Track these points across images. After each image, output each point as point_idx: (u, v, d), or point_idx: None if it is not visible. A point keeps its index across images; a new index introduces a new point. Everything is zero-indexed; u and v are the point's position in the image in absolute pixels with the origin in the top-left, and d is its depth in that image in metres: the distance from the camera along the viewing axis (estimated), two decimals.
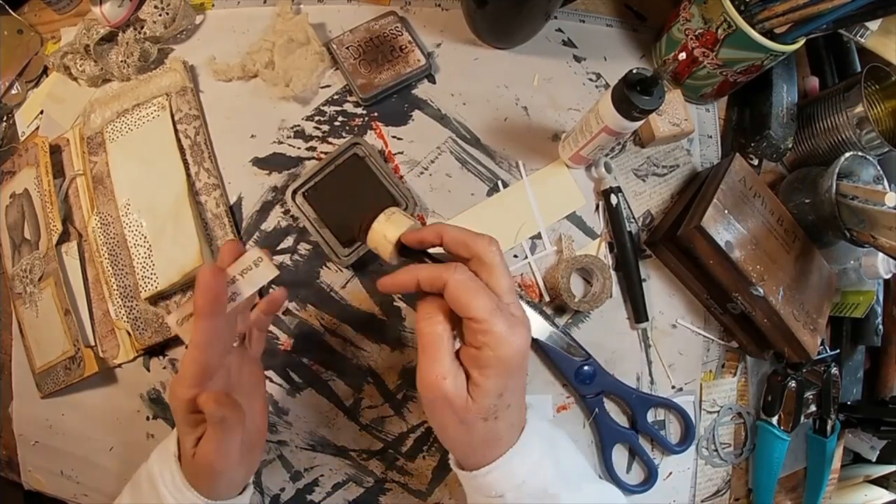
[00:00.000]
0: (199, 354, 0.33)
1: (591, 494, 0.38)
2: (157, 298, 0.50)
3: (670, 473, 0.52)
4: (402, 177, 0.53)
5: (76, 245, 0.53)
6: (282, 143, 0.53)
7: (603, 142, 0.46)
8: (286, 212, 0.51)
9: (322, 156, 0.53)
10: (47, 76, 0.59)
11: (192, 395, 0.33)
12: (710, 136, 0.57)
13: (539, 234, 0.52)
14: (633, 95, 0.40)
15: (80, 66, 0.55)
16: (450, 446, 0.36)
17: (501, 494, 0.35)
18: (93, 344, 0.51)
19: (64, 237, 0.53)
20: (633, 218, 0.54)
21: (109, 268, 0.51)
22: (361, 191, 0.50)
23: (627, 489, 0.49)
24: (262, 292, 0.50)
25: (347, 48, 0.53)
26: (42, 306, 0.52)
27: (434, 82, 0.54)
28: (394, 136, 0.54)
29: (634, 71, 0.40)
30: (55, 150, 0.55)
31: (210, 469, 0.36)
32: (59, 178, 0.54)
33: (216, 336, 0.33)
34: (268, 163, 0.53)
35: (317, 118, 0.54)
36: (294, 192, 0.50)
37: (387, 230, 0.35)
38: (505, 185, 0.53)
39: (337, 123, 0.54)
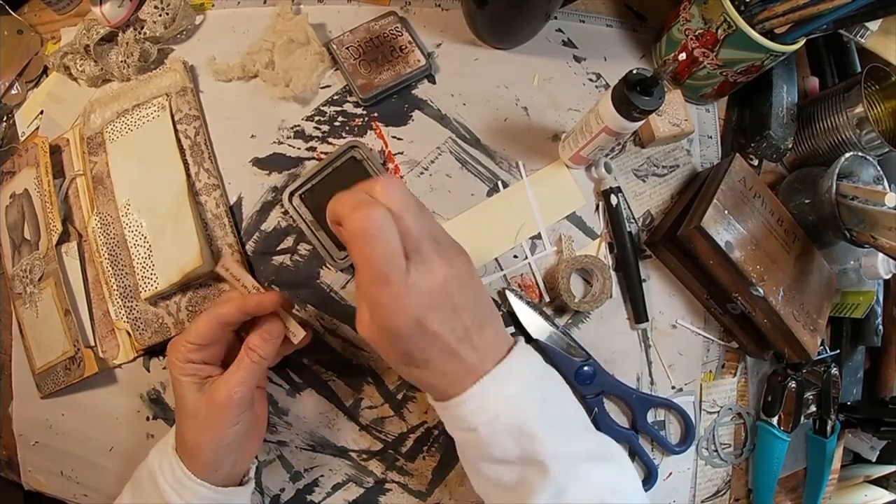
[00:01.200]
0: (215, 325, 0.38)
1: (579, 442, 0.36)
2: (157, 299, 0.50)
3: (670, 474, 0.52)
4: (401, 178, 0.53)
5: (76, 245, 0.53)
6: (282, 143, 0.53)
7: (603, 142, 0.46)
8: (286, 212, 0.51)
9: (322, 156, 0.53)
10: (47, 76, 0.59)
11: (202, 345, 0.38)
12: (710, 137, 0.57)
13: (539, 234, 0.52)
14: (633, 96, 0.40)
15: (80, 66, 0.55)
16: (413, 383, 0.37)
17: (474, 428, 0.34)
18: (93, 344, 0.51)
19: (64, 237, 0.53)
20: (633, 218, 0.54)
21: (109, 268, 0.51)
22: None
23: None
24: None
25: (347, 48, 0.53)
26: (42, 306, 0.52)
27: (434, 82, 0.54)
28: (394, 137, 0.54)
29: (634, 71, 0.40)
30: (55, 151, 0.55)
31: (220, 413, 0.38)
32: (59, 178, 0.54)
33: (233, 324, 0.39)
34: (268, 163, 0.53)
35: (317, 118, 0.54)
36: (291, 194, 0.50)
37: None
38: (505, 186, 0.53)
39: (337, 124, 0.54)
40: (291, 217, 0.50)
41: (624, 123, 0.42)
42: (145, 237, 0.50)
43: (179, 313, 0.50)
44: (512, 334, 0.50)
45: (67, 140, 0.55)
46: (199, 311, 0.49)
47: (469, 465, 0.38)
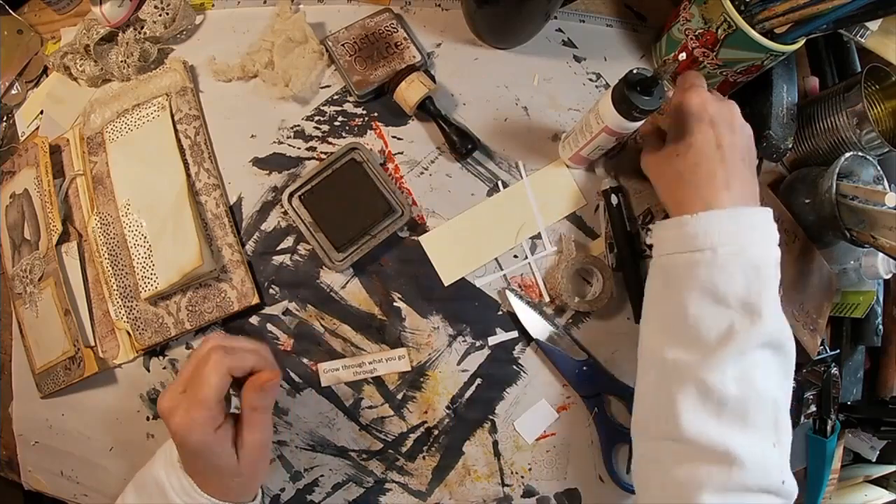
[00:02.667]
0: (227, 378, 0.36)
1: (784, 324, 0.37)
2: (157, 299, 0.50)
3: None
4: (401, 177, 0.53)
5: (76, 245, 0.53)
6: (282, 143, 0.53)
7: (603, 142, 0.46)
8: (285, 213, 0.51)
9: (322, 156, 0.53)
10: (47, 76, 0.59)
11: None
12: None
13: (539, 234, 0.52)
14: (633, 95, 0.40)
15: (80, 66, 0.55)
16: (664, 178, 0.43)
17: (714, 247, 0.35)
18: (93, 344, 0.51)
19: (64, 237, 0.53)
20: (634, 217, 0.54)
21: (109, 268, 0.51)
22: (357, 196, 0.50)
23: (627, 489, 0.49)
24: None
25: (343, 45, 0.53)
26: (42, 306, 0.52)
27: (434, 82, 0.54)
28: (394, 136, 0.54)
29: (634, 71, 0.41)
30: (55, 150, 0.55)
31: (259, 461, 0.38)
32: (59, 178, 0.54)
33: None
34: (268, 163, 0.53)
35: (317, 118, 0.54)
36: (290, 195, 0.50)
37: (406, 95, 0.50)
38: (505, 186, 0.53)
39: (337, 123, 0.54)
40: (291, 218, 0.50)
41: (624, 123, 0.42)
42: (145, 237, 0.50)
43: (179, 313, 0.50)
44: (516, 336, 0.51)
45: (67, 140, 0.55)
46: (198, 311, 0.49)
47: (662, 305, 0.39)
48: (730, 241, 0.35)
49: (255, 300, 0.50)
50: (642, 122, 0.43)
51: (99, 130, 0.54)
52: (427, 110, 0.52)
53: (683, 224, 0.36)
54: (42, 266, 0.52)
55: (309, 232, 0.49)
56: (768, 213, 0.38)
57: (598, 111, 0.44)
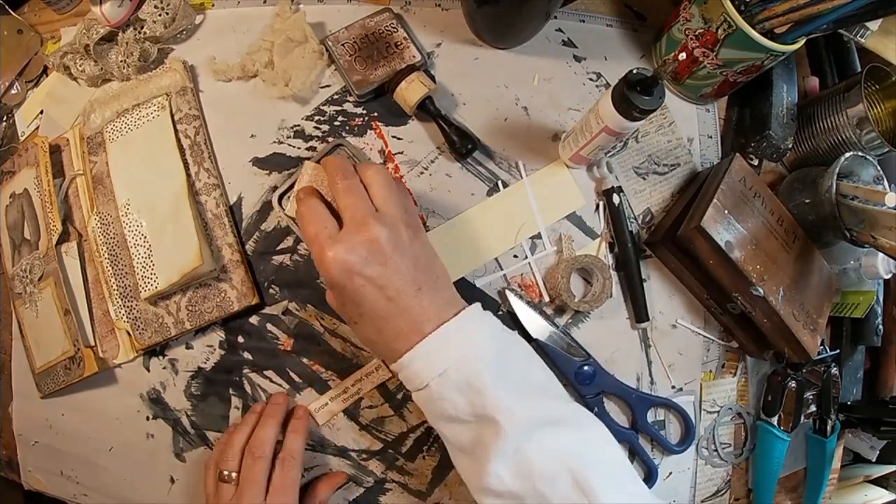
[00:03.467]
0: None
1: (541, 406, 0.37)
2: (157, 298, 0.50)
3: (670, 473, 0.52)
4: (401, 177, 0.53)
5: (76, 245, 0.53)
6: (282, 143, 0.53)
7: (603, 142, 0.46)
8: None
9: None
10: (47, 76, 0.59)
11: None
12: (710, 136, 0.57)
13: (539, 234, 0.52)
14: (633, 95, 0.40)
15: (80, 66, 0.54)
16: (367, 346, 0.42)
17: (425, 384, 0.36)
18: (93, 344, 0.51)
19: (64, 237, 0.53)
20: (634, 217, 0.54)
21: (109, 268, 0.51)
22: None
23: None
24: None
25: (343, 45, 0.53)
26: (42, 306, 0.52)
27: (434, 82, 0.54)
28: (394, 136, 0.54)
29: (634, 71, 0.40)
30: (55, 150, 0.55)
31: None
32: (58, 178, 0.54)
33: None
34: (268, 163, 0.53)
35: (317, 118, 0.54)
36: (280, 197, 0.50)
37: (406, 95, 0.50)
38: (505, 186, 0.53)
39: (337, 123, 0.54)
40: (284, 220, 0.50)
41: (624, 123, 0.42)
42: (145, 237, 0.50)
43: (179, 313, 0.50)
44: (529, 339, 0.50)
45: (67, 140, 0.55)
46: (198, 310, 0.49)
47: (437, 429, 0.39)
48: (432, 373, 0.36)
49: (255, 300, 0.50)
50: (642, 121, 0.43)
51: (99, 130, 0.54)
52: (427, 110, 0.52)
53: (400, 369, 0.38)
54: (42, 266, 0.52)
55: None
56: (458, 322, 0.37)
57: (598, 111, 0.44)
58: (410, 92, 0.50)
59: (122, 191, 0.51)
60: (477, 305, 0.39)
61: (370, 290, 0.36)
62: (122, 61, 0.54)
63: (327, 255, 0.36)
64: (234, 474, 0.43)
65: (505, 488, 0.34)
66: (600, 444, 0.38)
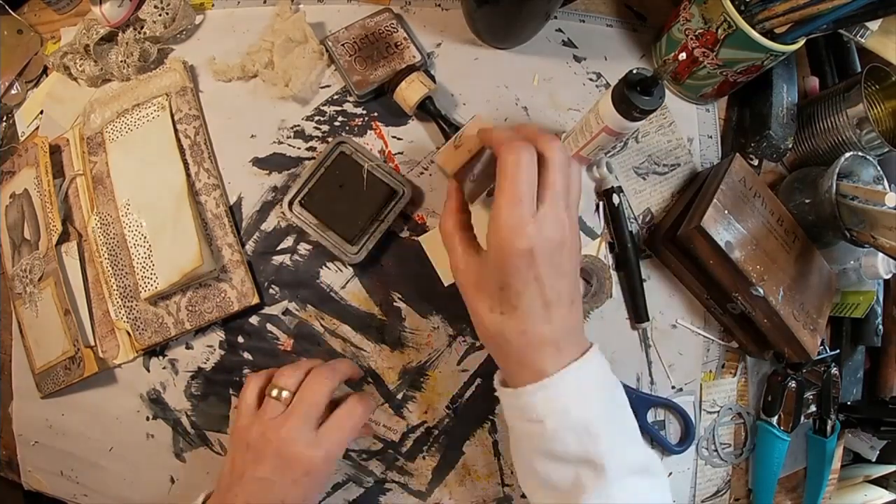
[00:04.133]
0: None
1: (634, 452, 0.36)
2: (157, 298, 0.50)
3: (670, 474, 0.52)
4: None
5: (76, 245, 0.53)
6: (282, 143, 0.53)
7: (603, 142, 0.46)
8: (290, 220, 0.51)
9: None
10: (47, 76, 0.59)
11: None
12: (710, 136, 0.57)
13: None
14: (633, 95, 0.40)
15: (80, 66, 0.54)
16: (489, 342, 0.37)
17: (541, 419, 0.34)
18: (93, 344, 0.51)
19: (64, 237, 0.53)
20: (634, 217, 0.54)
21: (109, 268, 0.51)
22: (355, 187, 0.50)
23: None
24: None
25: (343, 45, 0.53)
26: (42, 306, 0.52)
27: (434, 82, 0.54)
28: (394, 136, 0.54)
29: (634, 71, 0.40)
30: (55, 150, 0.55)
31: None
32: (58, 178, 0.54)
33: None
34: (268, 163, 0.53)
35: (317, 118, 0.54)
36: (290, 203, 0.50)
37: (406, 95, 0.50)
38: None
39: (337, 123, 0.54)
40: (297, 224, 0.50)
41: (624, 123, 0.42)
42: (145, 237, 0.50)
43: (179, 313, 0.50)
44: None
45: (67, 140, 0.55)
46: (198, 310, 0.49)
47: (521, 459, 0.38)
48: (553, 409, 0.34)
49: (255, 300, 0.50)
50: (643, 121, 0.43)
51: (99, 130, 0.54)
52: (427, 110, 0.52)
53: (516, 396, 0.35)
54: (42, 266, 0.52)
55: (318, 233, 0.49)
56: (588, 361, 0.35)
57: (598, 111, 0.44)
58: (410, 92, 0.50)
59: (122, 191, 0.51)
60: (596, 344, 0.37)
61: (536, 287, 0.33)
62: (122, 61, 0.54)
63: (526, 228, 0.32)
64: (286, 394, 0.40)
65: None
66: (668, 490, 0.38)
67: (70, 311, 0.51)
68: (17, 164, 0.56)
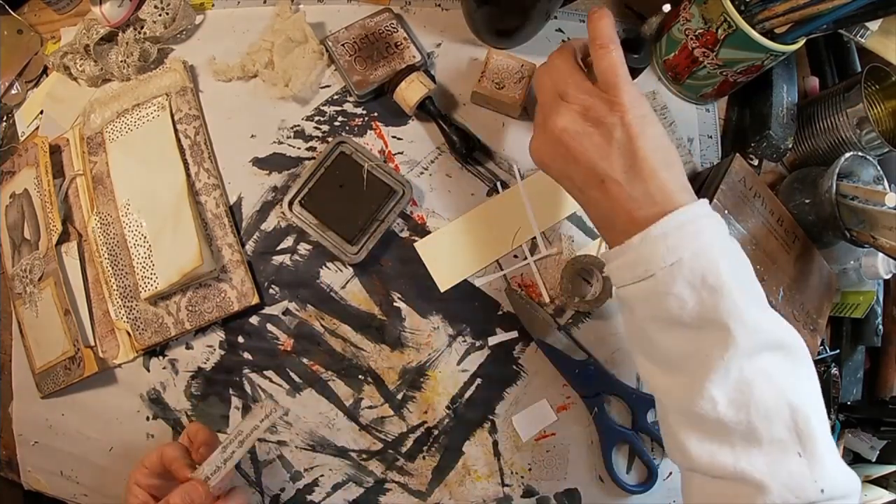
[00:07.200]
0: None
1: (767, 321, 0.32)
2: (157, 298, 0.50)
3: (670, 473, 0.52)
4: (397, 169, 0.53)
5: (76, 245, 0.53)
6: (282, 143, 0.53)
7: None
8: (290, 220, 0.51)
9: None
10: (47, 76, 0.59)
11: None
12: (710, 136, 0.57)
13: (540, 235, 0.52)
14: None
15: (80, 66, 0.55)
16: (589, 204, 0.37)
17: (651, 272, 0.31)
18: (93, 344, 0.51)
19: (64, 237, 0.53)
20: None
21: (109, 268, 0.51)
22: (355, 187, 0.50)
23: (627, 489, 0.49)
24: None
25: (343, 45, 0.53)
26: (42, 306, 0.52)
27: (434, 82, 0.54)
28: (394, 137, 0.54)
29: (621, 31, 0.40)
30: (55, 150, 0.55)
31: None
32: (58, 178, 0.54)
33: None
34: (268, 163, 0.53)
35: (317, 118, 0.54)
36: (290, 203, 0.50)
37: (406, 95, 0.50)
38: (505, 186, 0.53)
39: (337, 123, 0.54)
40: (297, 224, 0.50)
41: None
42: (145, 237, 0.50)
43: (179, 313, 0.50)
44: (516, 336, 0.50)
45: (67, 140, 0.55)
46: (198, 311, 0.49)
47: (636, 336, 0.35)
48: (664, 261, 0.30)
49: (255, 300, 0.50)
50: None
51: (99, 130, 0.54)
52: (427, 110, 0.52)
53: (622, 253, 0.33)
54: (42, 266, 0.52)
55: (318, 233, 0.49)
56: (696, 208, 0.32)
57: None
58: (410, 92, 0.50)
59: (122, 191, 0.51)
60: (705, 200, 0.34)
61: (626, 141, 0.33)
62: (122, 61, 0.54)
63: (626, 88, 0.34)
64: None
65: (715, 416, 0.30)
66: (817, 385, 0.32)
67: (70, 311, 0.51)
68: (17, 163, 0.56)
